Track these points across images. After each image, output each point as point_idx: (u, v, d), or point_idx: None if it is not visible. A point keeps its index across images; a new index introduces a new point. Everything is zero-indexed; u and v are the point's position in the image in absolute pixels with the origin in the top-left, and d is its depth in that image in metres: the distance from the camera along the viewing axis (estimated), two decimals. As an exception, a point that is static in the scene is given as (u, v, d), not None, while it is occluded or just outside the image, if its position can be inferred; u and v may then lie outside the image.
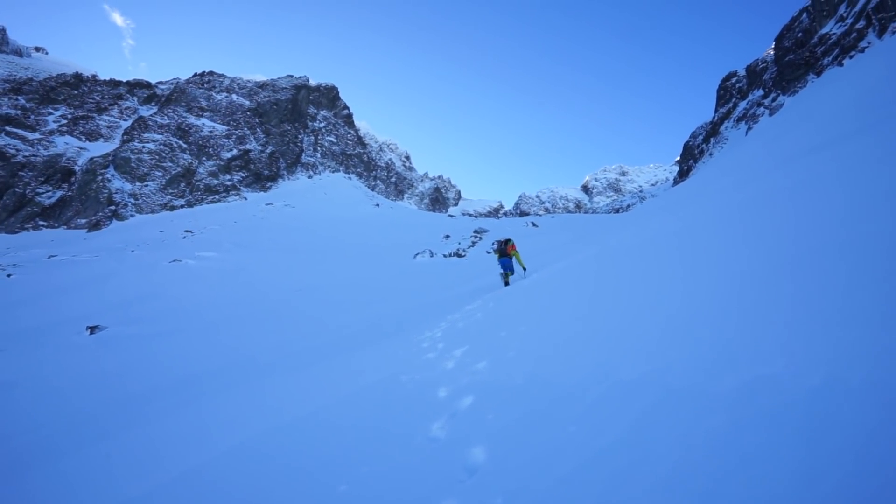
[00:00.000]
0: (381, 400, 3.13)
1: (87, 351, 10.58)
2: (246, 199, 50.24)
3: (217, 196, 49.76)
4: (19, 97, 51.06)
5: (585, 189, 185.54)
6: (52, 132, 49.23)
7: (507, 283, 9.23)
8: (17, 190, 41.93)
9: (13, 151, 44.19)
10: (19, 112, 48.87)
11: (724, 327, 2.01)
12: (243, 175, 54.35)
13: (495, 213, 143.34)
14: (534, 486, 1.52)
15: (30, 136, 47.00)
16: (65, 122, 51.30)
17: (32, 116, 49.51)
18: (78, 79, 57.61)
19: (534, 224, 27.28)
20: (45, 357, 10.22)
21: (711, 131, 49.05)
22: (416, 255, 22.32)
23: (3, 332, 12.39)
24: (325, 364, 5.69)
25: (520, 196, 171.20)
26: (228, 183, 52.31)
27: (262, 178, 55.77)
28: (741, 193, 6.82)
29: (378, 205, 51.61)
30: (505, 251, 9.56)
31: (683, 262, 3.82)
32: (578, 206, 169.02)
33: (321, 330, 9.51)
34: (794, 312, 1.83)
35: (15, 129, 46.48)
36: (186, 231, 33.44)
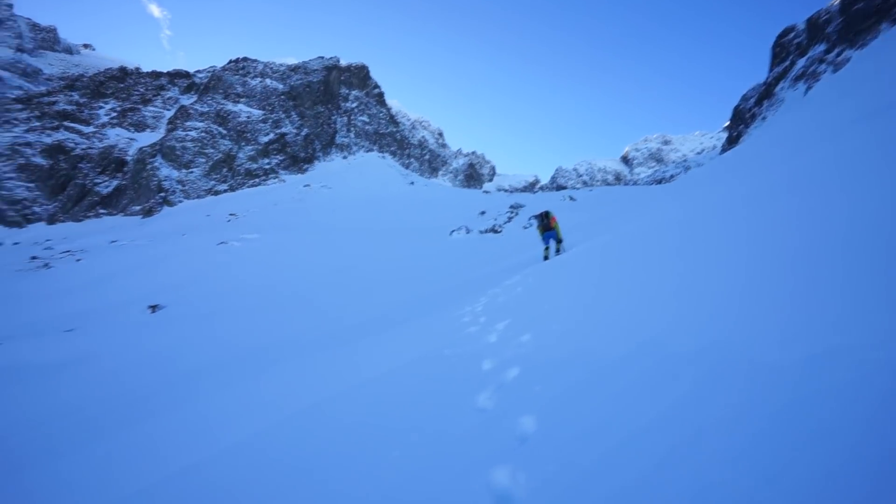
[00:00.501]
0: (426, 373, 3.18)
1: (150, 328, 11.37)
2: (284, 181, 51.57)
3: (257, 180, 51.34)
4: (73, 93, 54.02)
5: (625, 160, 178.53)
6: (104, 125, 51.96)
7: (546, 258, 9.09)
8: (77, 181, 44.81)
9: (72, 145, 47.06)
10: (74, 107, 51.77)
11: (790, 297, 1.88)
12: (281, 158, 55.67)
13: (531, 187, 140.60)
14: (586, 454, 1.51)
15: (85, 129, 49.81)
16: (115, 114, 53.96)
17: (86, 111, 52.33)
18: (123, 72, 60.16)
19: (571, 198, 26.58)
20: (114, 334, 11.08)
21: (765, 93, 45.55)
22: (452, 231, 22.36)
23: (77, 312, 13.50)
24: (370, 340, 5.85)
25: (556, 169, 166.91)
26: (267, 166, 53.77)
27: (298, 161, 56.94)
28: (804, 158, 6.34)
29: (412, 183, 51.71)
30: (548, 225, 9.37)
31: (737, 234, 3.60)
32: (618, 177, 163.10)
33: (363, 307, 9.75)
34: (873, 281, 1.69)
35: (72, 124, 49.36)
36: (231, 214, 34.82)
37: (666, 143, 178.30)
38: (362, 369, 3.99)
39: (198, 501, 2.24)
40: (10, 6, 79.34)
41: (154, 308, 13.44)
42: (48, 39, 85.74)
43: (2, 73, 72.17)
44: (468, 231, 22.23)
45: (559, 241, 9.48)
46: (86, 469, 3.65)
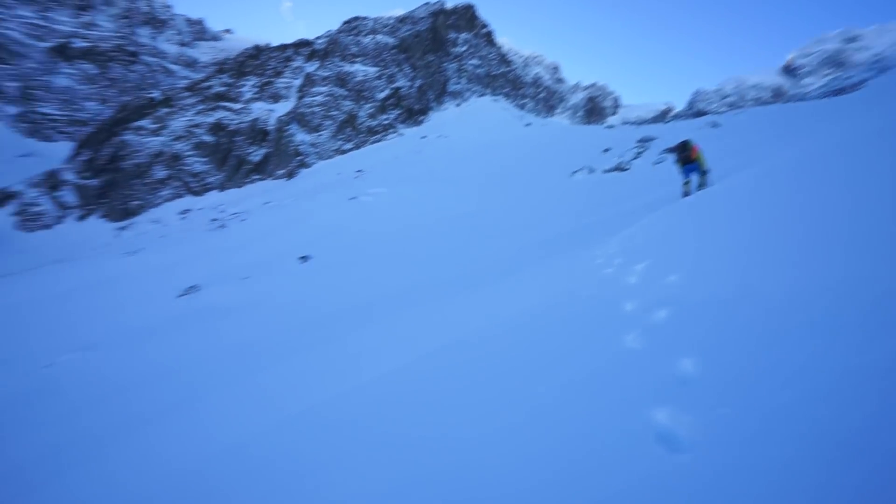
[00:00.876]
0: (563, 313, 3.09)
1: (301, 276, 13.12)
2: (402, 134, 53.42)
3: (378, 136, 54.11)
4: (223, 76, 61.85)
5: (788, 70, 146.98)
6: (248, 100, 58.88)
7: (687, 193, 8.07)
8: (235, 153, 52.26)
9: (227, 122, 54.54)
10: (225, 88, 59.40)
11: None
12: (397, 113, 57.54)
13: (662, 117, 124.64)
14: (774, 400, 1.30)
15: (235, 106, 57.09)
16: (256, 90, 60.62)
17: (234, 90, 59.67)
18: (257, 50, 66.64)
19: (714, 124, 22.93)
20: (276, 281, 13.04)
21: None
22: (574, 172, 21.17)
23: (249, 263, 16.17)
24: (498, 285, 5.91)
25: (694, 93, 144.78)
26: (385, 122, 56.16)
27: (413, 113, 58.28)
28: None
29: (529, 124, 49.56)
30: (689, 157, 8.24)
31: None
32: (777, 94, 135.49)
33: (488, 253, 9.91)
34: None
35: (225, 103, 56.91)
36: (357, 171, 37.57)
37: (850, 40, 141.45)
38: (499, 311, 4.05)
39: (367, 414, 2.55)
40: (170, 7, 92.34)
41: (304, 259, 15.34)
42: (199, 31, 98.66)
43: (173, 67, 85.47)
44: (591, 171, 20.82)
45: (703, 174, 8.30)
46: (280, 380, 4.46)
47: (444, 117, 58.10)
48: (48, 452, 4.33)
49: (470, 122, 52.39)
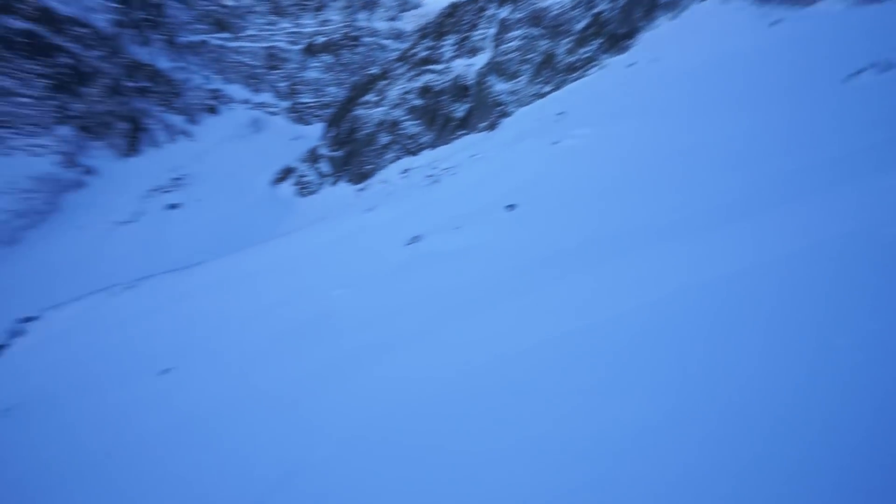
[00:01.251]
0: (838, 260, 2.11)
1: (509, 224, 13.34)
2: (606, 66, 48.15)
3: (578, 73, 50.19)
4: (425, 40, 66.37)
5: None
6: (449, 59, 61.93)
7: None
8: (441, 112, 56.45)
9: (433, 84, 58.98)
10: (429, 52, 63.79)
11: None
12: (598, 42, 51.93)
13: None
14: None
15: (438, 68, 60.92)
16: (455, 47, 63.24)
17: (436, 52, 63.55)
18: (453, 8, 68.61)
19: None
20: (486, 230, 13.59)
21: None
22: (853, 75, 15.37)
23: (460, 214, 17.35)
24: (748, 222, 4.62)
25: None
26: (586, 55, 51.43)
27: (617, 39, 51.60)
28: None
29: (777, 21, 38.17)
30: None
31: None
32: None
33: (726, 189, 8.06)
34: None
35: (429, 66, 61.34)
36: (559, 113, 35.79)
37: None
38: (725, 261, 3.16)
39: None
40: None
41: (510, 207, 15.55)
42: (402, 3, 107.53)
43: (385, 42, 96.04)
44: (886, 68, 14.61)
45: None
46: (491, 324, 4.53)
47: (657, 37, 49.50)
48: (340, 361, 5.49)
49: (690, 36, 43.38)
